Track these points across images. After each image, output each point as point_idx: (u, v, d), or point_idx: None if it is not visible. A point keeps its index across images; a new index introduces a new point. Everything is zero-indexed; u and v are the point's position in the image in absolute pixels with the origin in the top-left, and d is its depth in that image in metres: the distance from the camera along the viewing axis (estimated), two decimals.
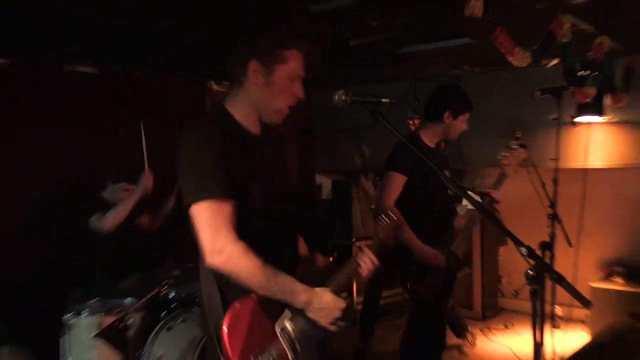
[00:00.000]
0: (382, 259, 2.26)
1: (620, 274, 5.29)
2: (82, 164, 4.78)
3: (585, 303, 1.83)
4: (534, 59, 3.64)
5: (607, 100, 4.84)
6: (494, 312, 6.12)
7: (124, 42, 4.39)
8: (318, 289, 2.04)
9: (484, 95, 6.11)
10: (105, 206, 4.33)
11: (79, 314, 3.68)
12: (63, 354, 3.74)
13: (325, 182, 7.51)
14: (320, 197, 7.52)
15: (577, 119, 4.86)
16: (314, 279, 2.16)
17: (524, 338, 5.38)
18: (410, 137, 3.67)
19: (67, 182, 4.90)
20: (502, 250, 6.28)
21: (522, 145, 3.72)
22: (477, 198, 4.61)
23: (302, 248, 2.43)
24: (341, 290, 2.12)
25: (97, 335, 3.44)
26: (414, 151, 2.22)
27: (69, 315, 3.69)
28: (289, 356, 2.03)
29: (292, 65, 2.12)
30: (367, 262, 2.21)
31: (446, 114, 3.54)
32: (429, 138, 3.62)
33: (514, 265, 6.17)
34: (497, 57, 3.97)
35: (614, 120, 5.44)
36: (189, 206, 1.97)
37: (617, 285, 5.19)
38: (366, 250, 2.24)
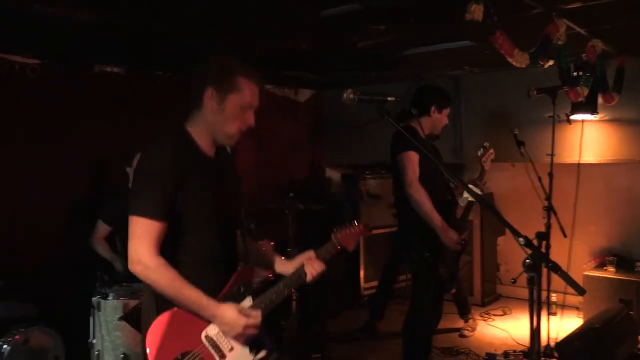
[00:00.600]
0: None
1: (611, 263, 5.26)
2: (111, 155, 4.81)
3: (580, 290, 1.81)
4: (532, 60, 3.62)
5: (600, 99, 4.81)
6: (492, 299, 6.10)
7: (148, 46, 4.40)
8: (224, 306, 2.07)
9: (483, 94, 6.08)
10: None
11: (105, 297, 3.70)
12: (90, 334, 3.77)
13: (334, 176, 7.51)
14: (329, 190, 7.51)
15: (571, 117, 4.82)
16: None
17: (522, 323, 5.35)
18: (407, 127, 3.78)
19: (96, 171, 4.95)
20: (500, 240, 6.24)
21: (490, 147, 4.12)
22: (478, 191, 4.61)
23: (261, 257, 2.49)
24: (273, 301, 2.20)
25: (122, 317, 3.45)
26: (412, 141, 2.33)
27: (96, 298, 3.71)
28: (215, 359, 2.07)
29: (244, 94, 2.13)
30: (314, 270, 2.33)
31: (432, 108, 3.80)
32: (420, 130, 3.77)
33: (511, 254, 6.14)
34: (496, 59, 3.94)
35: (606, 118, 5.39)
36: (129, 215, 2.05)
37: (609, 273, 5.15)
38: (313, 259, 2.35)
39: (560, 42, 3.77)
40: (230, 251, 2.28)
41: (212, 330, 2.08)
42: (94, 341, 3.73)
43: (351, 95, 2.13)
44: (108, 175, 4.96)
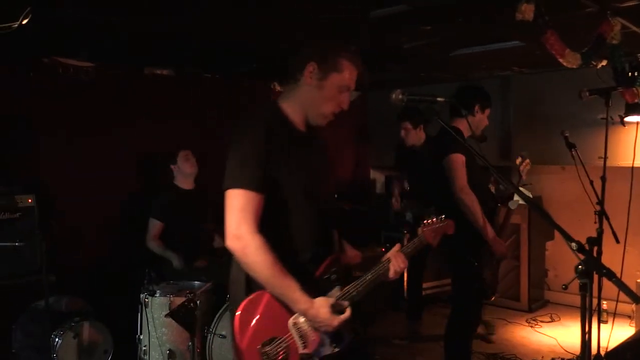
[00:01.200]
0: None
1: None
2: (158, 154, 4.92)
3: (635, 298, 1.75)
4: (584, 60, 3.52)
5: None
6: (540, 305, 5.95)
7: (196, 49, 4.48)
8: (317, 302, 2.00)
9: (533, 95, 5.95)
10: (181, 193, 4.46)
11: (153, 294, 3.78)
12: (138, 330, 3.86)
13: (378, 177, 7.48)
14: (374, 192, 7.49)
15: (625, 119, 4.65)
16: (339, 277, 2.16)
17: (570, 330, 5.21)
18: (454, 128, 3.67)
19: (143, 169, 5.08)
20: (549, 245, 6.10)
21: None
22: (528, 194, 4.51)
23: (340, 245, 2.39)
24: (359, 294, 2.11)
25: (168, 314, 3.52)
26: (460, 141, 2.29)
27: (144, 294, 3.79)
28: (300, 350, 2.02)
29: (345, 76, 2.12)
30: (398, 266, 2.22)
31: (476, 108, 3.69)
32: (465, 131, 3.66)
33: (561, 260, 5.99)
34: (546, 59, 3.85)
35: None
36: (225, 189, 2.01)
37: None
38: (398, 254, 2.24)
39: (614, 42, 3.65)
40: (323, 235, 2.21)
41: (300, 317, 2.03)
42: (142, 337, 3.82)
43: (400, 96, 2.11)
44: (155, 173, 5.07)
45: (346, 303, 2.07)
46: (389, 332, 5.27)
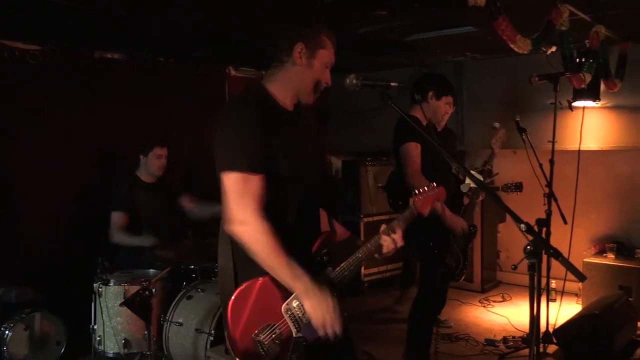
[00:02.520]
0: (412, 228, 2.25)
1: (611, 250, 5.27)
2: (117, 140, 4.82)
3: (580, 277, 1.81)
4: (535, 46, 3.59)
5: (602, 86, 4.79)
6: (492, 285, 6.11)
7: (149, 32, 4.37)
8: (324, 290, 1.96)
9: (485, 81, 6.05)
10: (141, 185, 4.38)
11: (106, 282, 3.71)
12: (91, 320, 3.79)
13: (335, 162, 7.50)
14: (330, 176, 7.51)
15: (573, 104, 4.79)
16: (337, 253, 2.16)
17: (521, 309, 5.37)
18: (410, 115, 3.69)
19: (98, 158, 4.95)
20: (501, 227, 6.25)
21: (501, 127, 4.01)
22: (479, 177, 4.61)
23: (330, 223, 2.38)
24: (351, 273, 2.12)
25: (123, 303, 3.46)
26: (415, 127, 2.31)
27: (97, 283, 3.72)
28: (293, 333, 2.01)
29: (329, 51, 2.17)
30: (392, 241, 2.20)
31: (430, 94, 3.70)
32: (422, 118, 3.70)
33: (512, 241, 6.15)
34: (498, 45, 3.92)
35: (608, 104, 5.36)
36: (222, 172, 1.95)
37: (609, 260, 5.16)
38: (396, 229, 2.22)
39: (563, 28, 3.74)
40: (315, 213, 2.21)
41: (293, 302, 2.01)
42: (96, 327, 3.75)
43: (354, 81, 2.12)
44: (112, 162, 4.95)
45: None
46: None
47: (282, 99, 2.14)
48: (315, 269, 2.06)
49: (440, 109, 3.74)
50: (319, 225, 2.25)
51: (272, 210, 1.98)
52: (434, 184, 2.41)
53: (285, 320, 2.00)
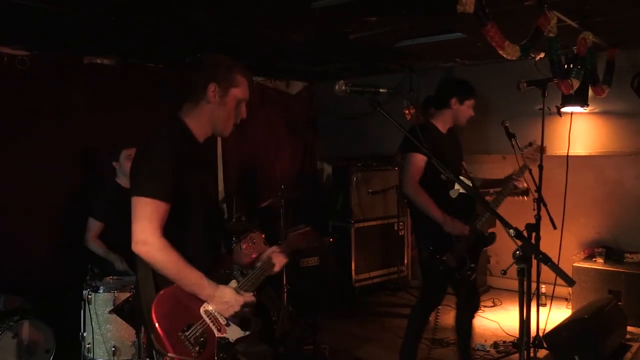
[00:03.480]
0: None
1: (600, 254, 5.30)
2: (101, 148, 4.80)
3: (569, 281, 1.82)
4: (523, 52, 3.63)
5: (590, 92, 4.83)
6: (483, 290, 6.12)
7: (140, 38, 4.37)
8: (222, 286, 2.23)
9: (475, 86, 6.07)
10: (122, 192, 4.36)
11: (96, 290, 3.69)
12: (81, 328, 3.76)
13: (326, 168, 7.51)
14: (321, 182, 7.52)
15: (562, 109, 4.83)
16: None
17: (511, 314, 5.39)
18: (424, 124, 3.87)
19: (85, 164, 4.92)
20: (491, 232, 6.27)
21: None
22: (468, 182, 4.62)
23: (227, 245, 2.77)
24: (253, 285, 2.38)
25: (112, 310, 3.44)
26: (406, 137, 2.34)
27: (86, 291, 3.70)
28: (215, 333, 2.21)
29: (242, 89, 2.34)
30: (280, 261, 2.55)
31: (453, 101, 3.75)
32: (441, 124, 3.80)
33: (502, 246, 6.13)
34: (487, 51, 3.95)
35: (596, 110, 5.42)
36: (133, 196, 2.13)
37: (598, 264, 5.20)
38: (279, 252, 2.56)
39: (551, 34, 3.78)
40: (218, 236, 2.44)
41: (210, 305, 2.23)
42: (85, 334, 3.72)
43: (343, 87, 2.13)
44: (97, 168, 4.93)
45: (249, 293, 2.31)
46: (339, 321, 5.32)
47: (196, 132, 2.32)
48: (221, 280, 2.28)
49: (465, 113, 3.81)
50: (219, 242, 2.47)
51: (182, 229, 2.21)
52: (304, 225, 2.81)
53: (204, 320, 2.21)
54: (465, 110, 3.80)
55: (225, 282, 2.30)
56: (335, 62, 5.60)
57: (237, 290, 2.27)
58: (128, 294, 3.48)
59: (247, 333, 2.33)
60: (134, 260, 4.03)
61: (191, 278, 2.16)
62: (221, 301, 2.22)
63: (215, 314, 2.24)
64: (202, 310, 2.22)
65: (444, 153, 3.61)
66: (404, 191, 3.69)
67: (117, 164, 4.40)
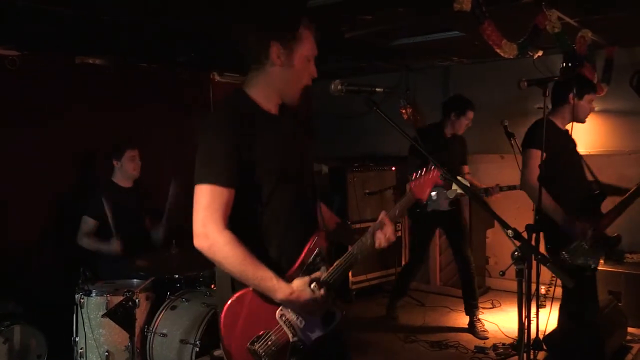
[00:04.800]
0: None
1: None
2: (95, 148, 4.81)
3: (568, 282, 1.82)
4: (520, 50, 3.64)
5: None
6: (481, 292, 6.12)
7: (132, 37, 4.36)
8: (296, 286, 1.96)
9: (473, 85, 6.09)
10: (119, 191, 4.36)
11: (88, 293, 3.67)
12: (73, 332, 3.75)
13: (322, 169, 7.50)
14: (318, 183, 7.51)
15: None
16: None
17: (510, 316, 5.39)
18: (541, 120, 3.76)
19: (79, 165, 4.91)
20: (489, 233, 6.28)
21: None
22: (466, 183, 4.64)
23: (322, 219, 2.30)
24: (342, 274, 2.09)
25: (105, 314, 3.43)
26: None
27: (79, 294, 3.69)
28: (290, 339, 2.01)
29: (308, 44, 2.09)
30: (384, 236, 2.17)
31: (571, 95, 3.72)
32: (560, 121, 3.79)
33: (500, 247, 6.18)
34: (485, 49, 3.96)
35: (595, 109, 5.41)
36: (195, 185, 1.95)
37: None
38: (387, 223, 2.18)
39: (556, 30, 3.80)
40: (308, 217, 2.17)
41: (286, 309, 2.02)
42: (77, 339, 3.71)
43: (339, 86, 2.12)
44: (92, 169, 4.92)
45: (324, 288, 2.02)
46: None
47: (264, 103, 2.09)
48: (307, 272, 2.05)
49: (584, 108, 3.79)
50: (314, 224, 2.19)
51: (257, 216, 2.00)
52: (432, 166, 2.29)
53: (280, 326, 2.00)
54: (584, 105, 3.76)
55: (313, 272, 2.06)
56: (331, 61, 5.60)
57: (314, 286, 1.98)
58: (121, 298, 3.46)
59: (330, 328, 2.11)
60: (132, 259, 4.06)
61: (260, 279, 1.93)
62: (299, 306, 1.98)
63: (292, 315, 2.02)
64: (278, 313, 2.01)
65: (565, 150, 3.68)
66: (522, 188, 3.70)
67: (119, 163, 4.42)
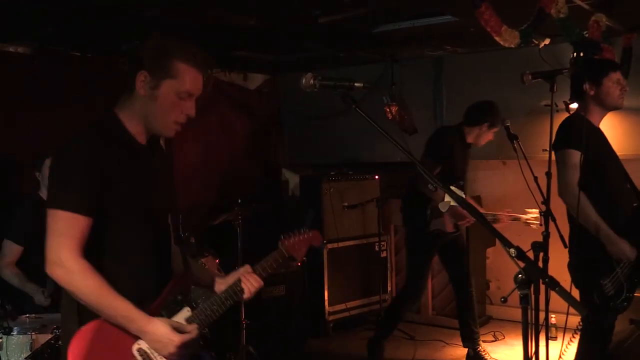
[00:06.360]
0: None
1: None
2: (24, 153, 4.74)
3: (581, 310, 1.85)
4: (523, 38, 3.69)
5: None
6: (482, 322, 6.15)
7: (63, 21, 4.32)
8: (156, 321, 2.14)
9: (469, 79, 6.16)
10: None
11: (9, 331, 3.61)
12: None
13: (291, 178, 7.50)
14: (286, 195, 7.51)
15: (571, 105, 4.91)
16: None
17: (515, 350, 5.43)
18: (575, 117, 3.84)
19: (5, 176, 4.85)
20: (490, 252, 6.33)
21: None
22: (461, 193, 4.68)
23: (186, 263, 2.53)
24: (211, 316, 2.30)
25: (29, 357, 3.37)
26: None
27: None
28: None
29: (183, 81, 2.20)
30: (252, 285, 2.43)
31: (587, 86, 3.73)
32: (595, 117, 3.79)
33: (504, 269, 6.23)
34: (483, 37, 4.00)
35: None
36: (47, 208, 2.10)
37: None
38: (251, 275, 2.45)
39: (562, 15, 3.85)
40: (165, 257, 2.37)
41: (145, 343, 2.16)
42: None
43: (311, 81, 2.12)
44: (13, 181, 4.84)
45: (193, 325, 2.23)
46: None
47: (132, 129, 2.25)
48: (168, 309, 2.24)
49: (612, 91, 3.77)
50: (170, 266, 2.39)
51: (113, 248, 2.18)
52: (307, 229, 2.67)
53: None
54: (612, 90, 3.74)
55: (175, 312, 2.25)
56: (302, 50, 5.61)
57: (176, 325, 2.18)
58: (49, 336, 3.40)
59: None
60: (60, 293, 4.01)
61: (118, 309, 2.09)
62: (153, 339, 2.13)
63: (150, 352, 2.16)
64: (135, 348, 2.14)
65: (606, 152, 3.72)
66: (560, 196, 3.69)
67: (40, 174, 4.36)
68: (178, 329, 2.17)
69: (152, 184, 2.28)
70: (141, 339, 2.14)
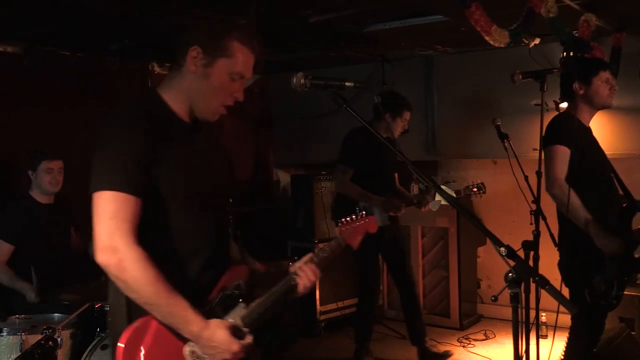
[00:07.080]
0: None
1: None
2: (12, 153, 4.77)
3: (571, 308, 1.86)
4: (513, 38, 3.71)
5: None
6: (473, 320, 6.20)
7: (53, 21, 4.31)
8: (213, 323, 1.99)
9: (459, 78, 6.18)
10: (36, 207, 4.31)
11: None
12: None
13: (283, 177, 7.50)
14: (277, 194, 7.51)
15: (561, 105, 4.94)
16: (241, 290, 2.18)
17: (506, 348, 5.46)
18: (565, 115, 3.88)
19: None
20: (481, 251, 6.35)
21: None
22: (452, 193, 4.70)
23: (234, 251, 2.41)
24: (256, 320, 2.13)
25: (19, 358, 3.36)
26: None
27: None
28: None
29: (237, 61, 2.12)
30: (307, 278, 2.28)
31: (576, 85, 3.76)
32: (583, 116, 3.82)
33: (494, 268, 6.25)
34: (473, 37, 4.02)
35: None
36: (93, 192, 1.95)
37: None
38: (308, 265, 2.30)
39: (551, 15, 3.87)
40: (218, 241, 2.21)
41: (196, 346, 2.02)
42: None
43: (302, 80, 2.13)
44: (5, 179, 4.83)
45: (249, 334, 2.07)
46: None
47: (177, 108, 2.14)
48: (223, 304, 2.11)
49: (601, 90, 3.78)
50: (227, 254, 2.27)
51: (160, 237, 2.03)
52: (364, 213, 2.54)
53: None
54: (601, 89, 3.75)
55: (230, 307, 2.10)
56: (293, 50, 5.62)
57: (237, 328, 2.02)
58: (39, 337, 3.40)
59: None
60: (55, 292, 4.01)
61: (174, 307, 1.93)
62: (209, 344, 1.97)
63: (203, 355, 2.00)
64: (187, 350, 2.00)
65: (594, 150, 3.75)
66: (548, 192, 3.70)
67: (34, 174, 4.36)
68: (236, 334, 2.01)
69: (204, 165, 2.16)
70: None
